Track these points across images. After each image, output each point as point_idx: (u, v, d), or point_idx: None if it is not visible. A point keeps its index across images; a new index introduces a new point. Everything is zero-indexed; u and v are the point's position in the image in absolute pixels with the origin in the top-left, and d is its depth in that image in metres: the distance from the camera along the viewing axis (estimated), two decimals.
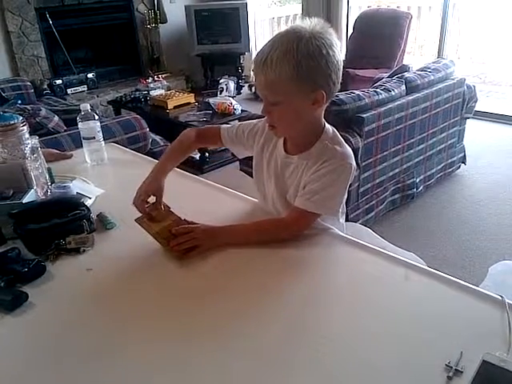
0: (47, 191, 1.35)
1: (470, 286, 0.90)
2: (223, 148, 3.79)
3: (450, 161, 3.29)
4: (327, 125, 1.17)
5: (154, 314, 0.94)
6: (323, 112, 1.14)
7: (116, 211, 1.29)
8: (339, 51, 1.06)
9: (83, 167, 1.65)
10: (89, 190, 1.40)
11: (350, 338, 0.84)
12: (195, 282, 1.03)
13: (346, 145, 1.15)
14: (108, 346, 0.87)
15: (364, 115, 2.49)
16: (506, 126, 4.29)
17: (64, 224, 1.15)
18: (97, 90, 5.15)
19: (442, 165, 3.23)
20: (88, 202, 1.32)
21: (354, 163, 1.13)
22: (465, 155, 3.40)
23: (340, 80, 1.08)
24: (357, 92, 2.56)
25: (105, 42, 5.50)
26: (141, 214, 1.14)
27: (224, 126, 1.36)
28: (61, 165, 1.61)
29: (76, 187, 1.36)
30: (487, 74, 5.79)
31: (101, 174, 1.62)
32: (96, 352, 0.85)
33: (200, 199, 1.29)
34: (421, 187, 3.07)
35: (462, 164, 3.41)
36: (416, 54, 6.21)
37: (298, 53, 1.00)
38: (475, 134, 3.74)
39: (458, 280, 0.93)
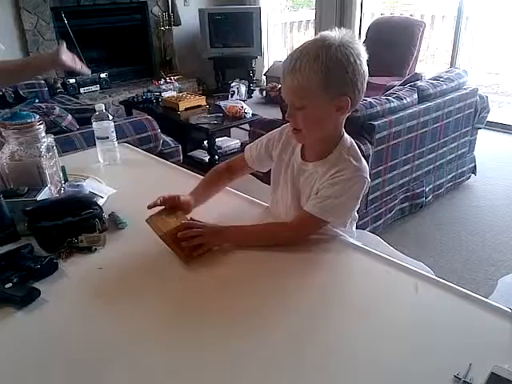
0: (61, 189, 1.37)
1: (480, 297, 0.90)
2: (233, 151, 3.90)
3: (460, 171, 3.27)
4: (346, 135, 1.18)
5: (163, 314, 0.95)
6: (344, 121, 1.15)
7: (128, 211, 1.30)
8: (365, 61, 1.08)
9: (96, 167, 1.67)
10: (101, 189, 1.42)
11: (357, 347, 0.85)
12: (204, 284, 1.04)
13: (363, 158, 1.15)
14: (117, 344, 0.88)
15: (375, 123, 2.48)
16: None
17: (77, 222, 1.16)
18: (109, 90, 5.19)
19: (452, 175, 3.22)
20: (100, 202, 1.33)
21: (369, 178, 1.14)
22: (475, 166, 3.38)
23: (364, 90, 1.10)
24: (369, 99, 2.56)
25: (118, 42, 5.56)
26: (151, 214, 1.15)
27: (247, 146, 1.38)
28: (74, 164, 1.62)
29: (89, 186, 1.38)
30: (500, 84, 5.76)
31: (113, 173, 1.64)
32: (105, 350, 0.86)
33: (210, 202, 1.29)
34: (430, 196, 3.06)
35: (473, 174, 3.40)
36: (428, 62, 6.20)
37: (327, 59, 1.02)
38: (486, 144, 3.72)
39: (467, 291, 0.92)
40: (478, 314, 0.89)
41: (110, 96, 5.07)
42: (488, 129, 3.86)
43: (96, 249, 1.15)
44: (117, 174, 1.63)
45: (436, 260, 2.47)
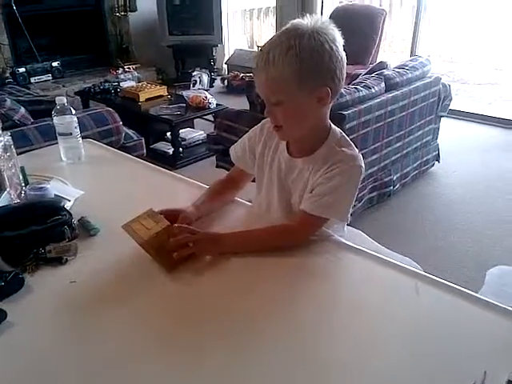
0: (21, 193, 1.23)
1: (490, 300, 0.86)
2: (198, 142, 3.79)
3: (425, 159, 3.32)
4: (333, 126, 1.12)
5: (148, 328, 0.87)
6: (328, 112, 1.09)
7: (99, 215, 1.19)
8: (342, 47, 1.01)
9: (59, 166, 1.53)
10: (67, 191, 1.30)
11: (362, 355, 0.80)
12: (191, 295, 0.96)
13: (354, 146, 1.10)
14: (96, 368, 0.79)
15: (345, 112, 2.45)
16: (475, 125, 4.37)
17: (43, 231, 1.04)
18: (62, 80, 4.92)
19: (418, 162, 3.25)
20: (67, 205, 1.22)
21: (363, 165, 1.08)
22: (439, 153, 3.44)
23: (344, 77, 1.04)
24: (331, 81, 2.52)
25: (71, 29, 5.25)
26: (127, 221, 1.05)
27: (232, 146, 1.31)
28: (34, 163, 1.48)
29: (53, 189, 1.25)
30: (455, 72, 5.90)
31: (79, 173, 1.51)
32: (83, 376, 0.77)
33: (190, 201, 1.21)
34: (397, 185, 3.08)
35: (436, 162, 3.45)
36: (386, 50, 6.27)
37: (300, 49, 0.96)
38: (447, 132, 3.79)
39: (471, 292, 0.89)
40: (486, 316, 0.85)
41: (63, 86, 4.81)
42: (447, 116, 3.94)
43: (67, 259, 1.03)
44: (83, 174, 1.51)
45: (405, 249, 2.46)
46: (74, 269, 1.02)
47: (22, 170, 1.31)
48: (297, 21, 1.00)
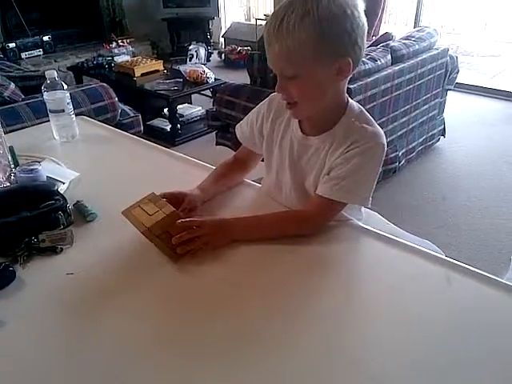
0: (10, 176, 1.13)
1: None
2: (196, 119, 3.68)
3: (430, 133, 3.22)
4: (351, 100, 1.01)
5: (151, 327, 0.78)
6: (346, 85, 0.98)
7: (96, 198, 1.10)
8: (363, 12, 0.91)
9: (51, 145, 1.43)
10: (61, 173, 1.20)
11: (392, 356, 0.72)
12: (199, 287, 0.87)
13: (375, 122, 1.00)
14: (95, 369, 0.71)
15: (351, 86, 2.34)
16: (479, 98, 4.27)
17: (35, 217, 0.95)
18: (54, 55, 4.77)
19: (423, 138, 3.16)
20: (61, 188, 1.12)
21: (385, 142, 0.98)
22: (444, 128, 3.35)
23: (365, 46, 0.93)
24: (353, 48, 2.41)
25: (62, 2, 5.04)
26: (127, 205, 0.96)
27: (237, 124, 1.21)
28: (24, 142, 1.38)
29: (46, 170, 1.15)
30: (458, 44, 5.74)
31: (73, 152, 1.41)
32: (81, 379, 0.69)
33: (194, 182, 1.11)
34: (403, 161, 2.99)
35: (442, 136, 3.36)
36: (386, 22, 6.08)
37: (318, 14, 0.85)
38: (450, 105, 3.69)
39: (509, 283, 0.81)
40: None
41: (55, 61, 4.65)
42: (452, 90, 3.84)
43: (62, 249, 0.94)
44: (77, 154, 1.41)
45: (412, 226, 2.40)
46: (71, 259, 0.93)
47: (11, 150, 1.20)
48: None
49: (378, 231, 0.99)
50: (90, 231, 1.02)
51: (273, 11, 0.92)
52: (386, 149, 0.98)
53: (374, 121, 1.01)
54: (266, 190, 1.16)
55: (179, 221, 0.93)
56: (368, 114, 1.02)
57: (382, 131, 0.99)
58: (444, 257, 0.89)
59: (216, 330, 0.77)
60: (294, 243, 0.96)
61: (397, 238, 0.96)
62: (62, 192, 1.07)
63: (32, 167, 1.12)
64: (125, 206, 0.96)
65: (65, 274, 0.88)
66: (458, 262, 0.87)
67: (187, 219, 0.95)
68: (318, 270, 0.91)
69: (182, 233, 0.92)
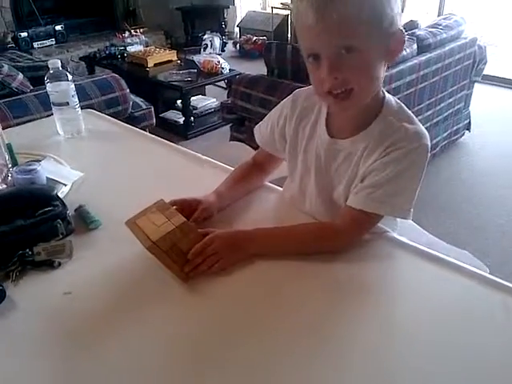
0: (7, 177, 1.03)
1: None
2: (210, 111, 3.57)
3: (455, 128, 3.08)
4: (388, 94, 0.88)
5: (158, 355, 0.68)
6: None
7: (100, 203, 0.99)
8: None
9: (55, 141, 1.33)
10: (63, 173, 1.09)
11: None
12: (213, 309, 0.77)
13: (417, 119, 0.87)
14: None
15: None
16: (507, 90, 4.08)
17: (31, 226, 0.85)
18: (66, 45, 4.69)
19: (448, 132, 3.01)
20: (63, 191, 1.02)
21: (429, 143, 0.85)
22: (470, 122, 3.19)
23: None
24: (399, 18, 2.28)
25: None
26: (134, 213, 0.84)
27: (256, 126, 1.08)
28: (26, 137, 1.29)
29: (45, 170, 1.04)
30: (484, 33, 5.52)
31: (78, 150, 1.30)
32: None
33: (208, 185, 1.00)
34: None
35: (467, 131, 3.21)
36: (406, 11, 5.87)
37: None
38: (476, 99, 3.52)
39: None
40: None
41: (67, 51, 4.58)
42: (479, 82, 3.67)
43: (60, 263, 0.84)
44: (82, 151, 1.30)
45: (438, 226, 2.29)
46: (69, 274, 0.83)
47: (9, 147, 1.10)
48: None
49: (416, 245, 0.87)
50: (93, 241, 0.91)
51: None
52: (429, 151, 0.85)
53: (415, 118, 0.87)
54: (288, 196, 1.04)
55: (192, 252, 0.82)
56: (408, 111, 0.89)
57: (425, 130, 0.86)
58: (498, 279, 0.76)
59: (232, 358, 0.66)
60: (318, 260, 0.84)
61: (438, 254, 0.84)
62: (62, 196, 0.97)
63: (31, 167, 1.02)
64: (132, 212, 0.85)
65: (62, 293, 0.78)
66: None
67: (196, 246, 0.83)
68: (347, 292, 0.79)
69: (193, 260, 0.81)
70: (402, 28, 0.80)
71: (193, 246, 0.82)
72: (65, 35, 4.73)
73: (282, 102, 1.01)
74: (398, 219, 0.97)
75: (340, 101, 0.81)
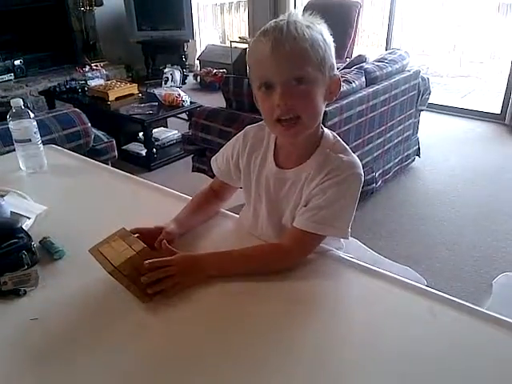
0: None
1: None
2: (172, 142, 3.64)
3: (406, 154, 3.26)
4: (326, 129, 0.99)
5: (121, 376, 0.73)
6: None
7: (64, 234, 1.04)
8: None
9: (17, 176, 1.37)
10: (27, 207, 1.13)
11: None
12: (173, 332, 0.82)
13: (351, 151, 0.98)
14: None
15: (327, 109, 2.31)
16: (452, 117, 4.35)
17: None
18: (25, 79, 4.68)
19: (399, 158, 3.19)
20: (27, 224, 1.06)
21: (362, 172, 0.96)
22: (419, 147, 3.39)
23: None
24: (336, 66, 2.42)
25: (33, 25, 4.97)
26: (97, 241, 0.90)
27: (213, 157, 1.16)
28: None
29: (10, 205, 1.09)
30: (428, 65, 5.88)
31: (40, 185, 1.34)
32: None
33: (169, 214, 1.07)
34: (380, 182, 3.01)
35: (417, 157, 3.40)
36: (359, 44, 6.20)
37: (317, 28, 0.88)
38: (424, 126, 3.75)
39: (495, 314, 0.78)
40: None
41: (26, 86, 4.56)
42: (425, 110, 3.91)
43: (25, 291, 0.88)
44: (45, 186, 1.34)
45: (391, 248, 2.41)
46: (35, 302, 0.87)
47: None
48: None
49: (359, 262, 0.96)
50: (57, 270, 0.95)
51: (261, 29, 0.90)
52: (362, 179, 0.96)
53: (349, 150, 0.98)
54: (243, 223, 1.12)
55: (146, 262, 0.88)
56: (343, 143, 0.99)
57: (358, 160, 0.97)
58: (427, 288, 0.86)
59: (191, 381, 0.71)
60: (270, 279, 0.91)
61: (379, 270, 0.93)
62: (26, 228, 1.01)
63: None
64: (95, 242, 0.90)
65: (28, 319, 0.82)
66: (441, 293, 0.84)
67: (155, 260, 0.89)
68: (297, 307, 0.86)
69: (151, 273, 0.87)
70: (338, 74, 0.93)
71: (152, 269, 0.88)
72: (24, 70, 4.72)
73: (234, 137, 1.11)
74: (342, 239, 1.06)
75: (288, 128, 0.90)
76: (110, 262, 0.85)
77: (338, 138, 1.00)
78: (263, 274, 0.92)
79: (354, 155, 0.97)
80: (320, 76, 0.88)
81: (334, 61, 0.91)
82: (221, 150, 1.14)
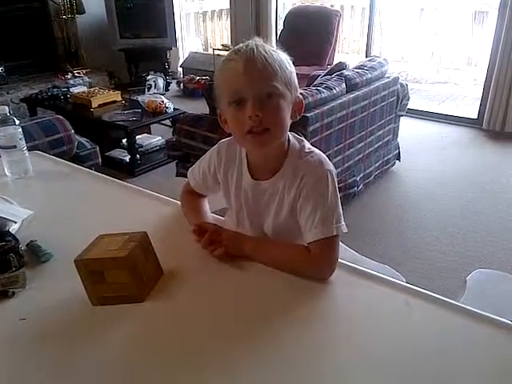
0: None
1: (491, 316, 0.80)
2: (155, 148, 3.65)
3: (386, 158, 3.33)
4: (291, 136, 1.03)
5: (114, 375, 0.75)
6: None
7: (50, 237, 1.06)
8: None
9: (3, 182, 1.38)
10: (13, 212, 1.15)
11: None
12: (169, 330, 0.84)
13: (316, 149, 1.03)
14: None
15: (308, 114, 2.40)
16: (430, 123, 4.45)
17: None
18: (6, 86, 4.63)
19: (380, 162, 3.26)
20: (13, 228, 1.08)
21: (331, 166, 1.00)
22: (399, 152, 3.46)
23: None
24: (299, 90, 2.47)
25: (14, 32, 4.94)
26: (82, 248, 0.91)
27: (190, 169, 1.20)
28: None
29: None
30: (408, 71, 6.01)
31: (26, 190, 1.36)
32: None
33: (146, 216, 1.09)
34: (361, 185, 3.07)
35: (397, 161, 3.47)
36: (339, 51, 6.30)
37: (282, 53, 0.97)
38: (404, 131, 3.84)
39: (465, 306, 0.83)
40: (491, 334, 0.79)
41: (7, 93, 4.53)
42: (405, 115, 3.99)
43: (14, 292, 0.90)
44: (31, 191, 1.36)
45: (373, 250, 2.46)
46: (24, 303, 0.88)
47: None
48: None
49: (342, 260, 1.00)
50: (45, 272, 0.97)
51: (231, 50, 0.97)
52: (334, 170, 1.00)
53: (314, 149, 1.02)
54: (230, 225, 1.15)
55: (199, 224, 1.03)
56: (308, 143, 1.04)
57: (324, 156, 1.01)
58: (403, 283, 0.91)
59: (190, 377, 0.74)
60: (255, 277, 0.95)
61: (357, 266, 0.97)
62: (13, 232, 1.03)
63: None
64: (82, 244, 0.90)
65: (17, 320, 0.83)
66: (417, 288, 0.89)
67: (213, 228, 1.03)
68: (277, 301, 0.91)
69: (207, 234, 1.00)
70: (301, 97, 1.01)
71: (151, 267, 0.92)
72: (4, 77, 4.68)
73: (208, 152, 1.14)
74: None
75: (257, 136, 0.94)
76: (115, 256, 0.85)
77: (302, 138, 1.05)
78: (287, 271, 0.97)
79: (319, 152, 1.02)
80: (288, 93, 0.95)
81: (297, 84, 0.98)
82: (197, 162, 1.18)
